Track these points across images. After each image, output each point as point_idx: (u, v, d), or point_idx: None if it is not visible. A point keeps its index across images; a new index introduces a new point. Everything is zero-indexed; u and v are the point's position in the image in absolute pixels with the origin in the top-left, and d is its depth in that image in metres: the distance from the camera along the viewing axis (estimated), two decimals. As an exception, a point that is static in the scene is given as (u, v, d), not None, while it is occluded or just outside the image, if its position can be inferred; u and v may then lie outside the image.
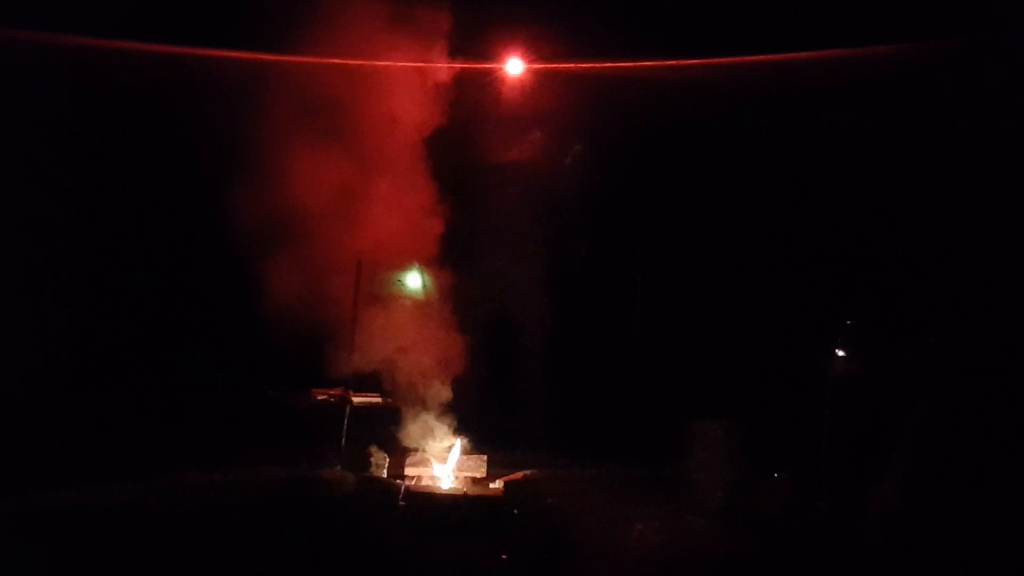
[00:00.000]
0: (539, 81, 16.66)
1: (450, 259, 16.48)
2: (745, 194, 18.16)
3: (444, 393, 16.24)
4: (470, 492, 15.04)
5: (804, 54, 16.14)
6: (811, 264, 17.99)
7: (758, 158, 17.98)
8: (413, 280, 16.70)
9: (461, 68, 16.08)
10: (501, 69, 16.58)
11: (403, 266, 16.71)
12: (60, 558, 11.76)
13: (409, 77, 15.84)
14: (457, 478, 15.47)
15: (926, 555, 13.30)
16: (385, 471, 15.45)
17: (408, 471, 15.51)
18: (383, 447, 15.61)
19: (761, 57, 16.19)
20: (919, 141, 17.07)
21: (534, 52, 16.41)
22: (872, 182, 17.58)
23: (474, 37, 16.17)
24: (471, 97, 16.49)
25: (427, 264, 16.55)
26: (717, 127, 17.57)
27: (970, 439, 15.06)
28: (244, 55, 15.67)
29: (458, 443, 15.85)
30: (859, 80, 16.63)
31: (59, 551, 11.90)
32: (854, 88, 16.84)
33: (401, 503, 14.42)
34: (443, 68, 15.89)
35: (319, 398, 16.13)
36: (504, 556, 12.90)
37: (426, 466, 15.55)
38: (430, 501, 14.54)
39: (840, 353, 17.00)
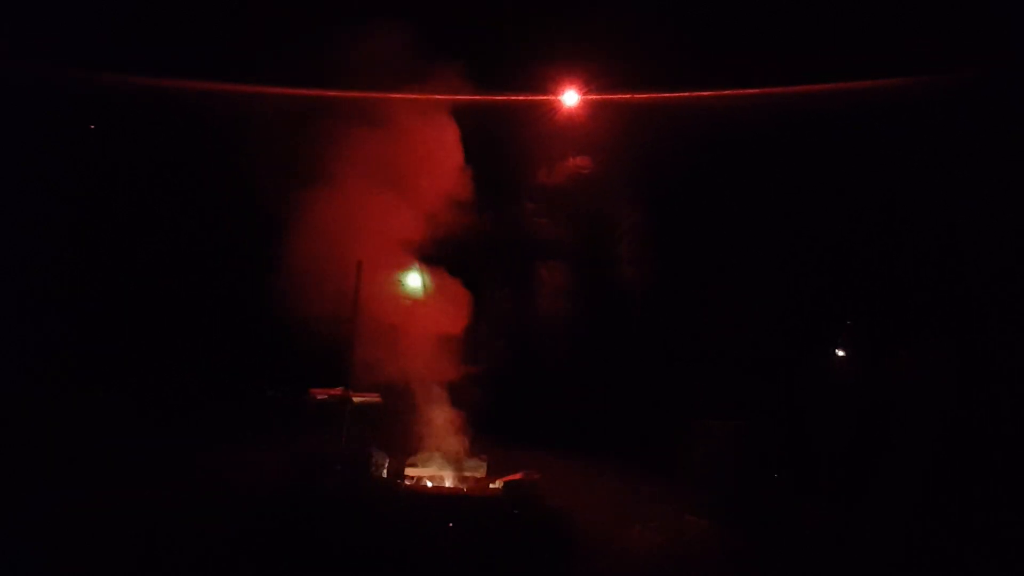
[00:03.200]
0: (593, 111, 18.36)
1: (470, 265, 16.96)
2: (747, 197, 18.16)
3: (446, 393, 16.29)
4: (470, 492, 15.04)
5: (816, 87, 17.01)
6: (812, 265, 17.97)
7: (761, 162, 18.02)
8: (413, 280, 16.73)
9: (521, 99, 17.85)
10: (558, 100, 18.25)
11: (404, 267, 16.77)
12: (60, 558, 11.80)
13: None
14: (457, 478, 15.47)
15: (926, 555, 13.29)
16: (385, 471, 15.44)
17: (408, 471, 15.50)
18: (383, 447, 15.61)
19: (784, 89, 17.14)
20: (920, 145, 17.09)
21: (589, 83, 18.13)
22: (872, 185, 17.58)
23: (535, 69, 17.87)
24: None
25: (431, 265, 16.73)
26: (729, 136, 17.82)
27: (970, 438, 15.07)
28: (292, 91, 16.51)
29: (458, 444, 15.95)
30: (863, 92, 16.83)
31: (59, 551, 11.94)
32: (859, 100, 17.01)
33: (400, 502, 14.43)
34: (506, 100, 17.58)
35: (319, 398, 16.08)
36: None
37: (426, 466, 15.54)
38: (430, 501, 14.54)
39: (840, 353, 17.02)
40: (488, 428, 16.36)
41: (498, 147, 18.01)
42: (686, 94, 17.57)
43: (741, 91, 17.39)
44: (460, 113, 17.20)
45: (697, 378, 17.32)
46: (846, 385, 16.70)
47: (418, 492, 14.85)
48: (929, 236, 17.08)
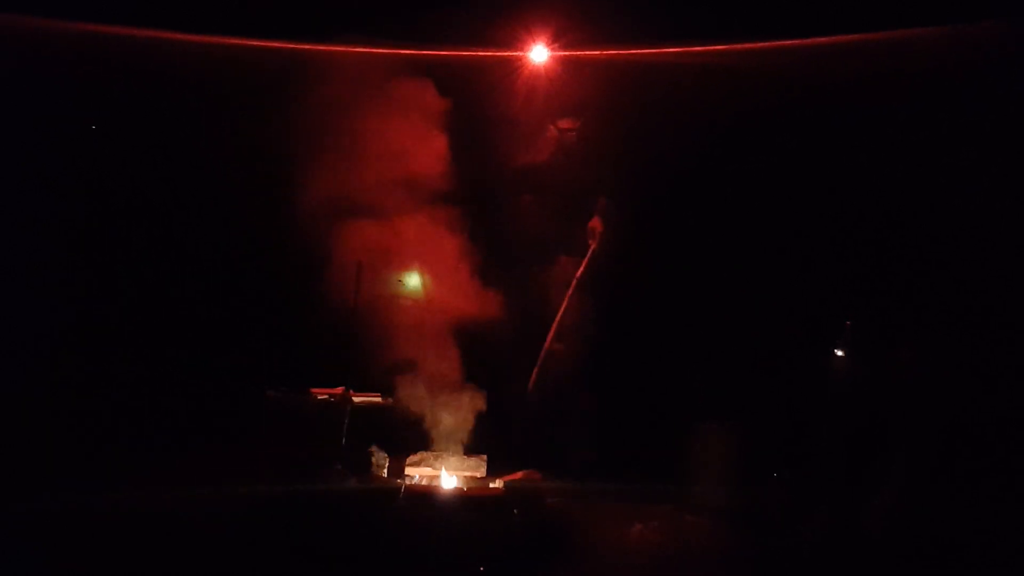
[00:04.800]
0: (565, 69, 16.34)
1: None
2: (747, 194, 18.12)
3: (446, 393, 16.30)
4: (470, 492, 15.05)
5: (804, 41, 16.12)
6: (812, 264, 17.96)
7: (759, 158, 17.97)
8: (412, 280, 16.74)
9: (484, 56, 15.97)
10: (526, 56, 16.18)
11: (404, 267, 16.77)
12: (60, 558, 11.80)
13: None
14: (457, 478, 15.49)
15: (926, 554, 13.31)
16: (386, 471, 15.46)
17: (408, 471, 15.52)
18: (384, 446, 15.63)
19: (766, 44, 16.11)
20: (920, 143, 17.07)
21: (560, 39, 16.06)
22: (872, 183, 17.56)
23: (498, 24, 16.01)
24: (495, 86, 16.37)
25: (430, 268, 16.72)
26: (721, 126, 17.59)
27: (970, 438, 15.10)
28: (246, 42, 15.76)
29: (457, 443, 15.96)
30: (859, 79, 16.66)
31: (59, 551, 11.94)
32: (854, 88, 16.86)
33: (400, 502, 14.44)
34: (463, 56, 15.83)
35: (320, 397, 16.09)
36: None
37: (426, 466, 15.56)
38: (430, 500, 14.55)
39: (840, 353, 17.03)
40: (488, 428, 16.41)
41: (451, 113, 16.35)
42: (677, 50, 15.78)
43: (729, 46, 15.81)
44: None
45: (697, 378, 17.33)
46: (846, 385, 16.71)
47: (418, 491, 14.83)
48: (931, 234, 17.08)
